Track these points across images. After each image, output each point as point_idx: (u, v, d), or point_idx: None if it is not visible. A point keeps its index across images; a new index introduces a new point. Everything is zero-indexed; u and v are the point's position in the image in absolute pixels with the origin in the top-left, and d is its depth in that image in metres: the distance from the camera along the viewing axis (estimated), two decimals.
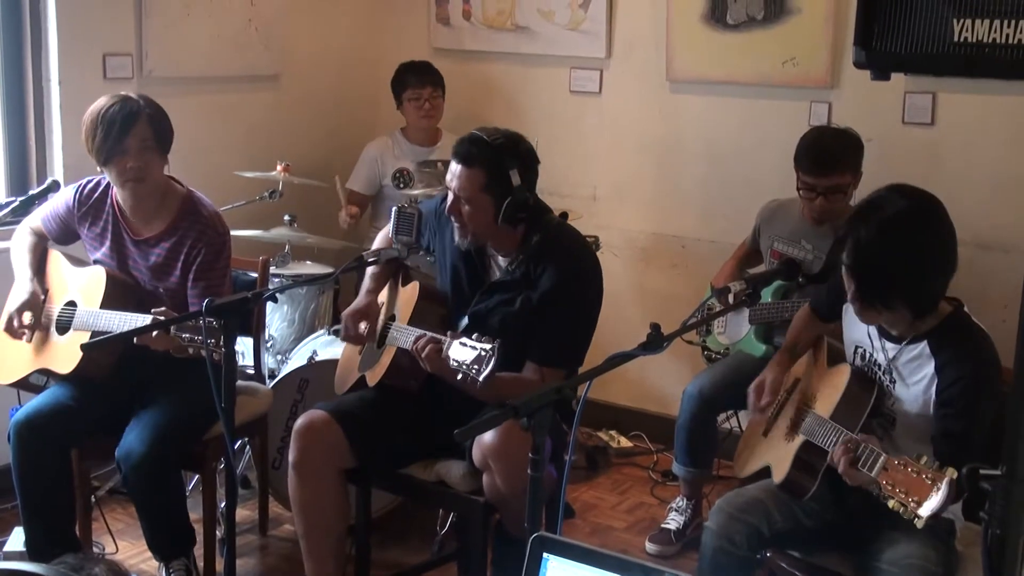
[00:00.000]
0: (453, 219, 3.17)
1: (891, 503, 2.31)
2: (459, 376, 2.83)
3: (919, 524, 2.27)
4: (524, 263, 3.18)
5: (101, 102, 3.31)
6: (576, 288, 3.16)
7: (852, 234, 2.60)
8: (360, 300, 3.39)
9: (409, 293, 3.33)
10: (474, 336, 2.83)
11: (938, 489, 2.23)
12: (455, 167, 3.14)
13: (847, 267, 2.63)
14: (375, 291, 3.42)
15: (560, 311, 3.11)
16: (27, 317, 3.38)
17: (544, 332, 3.11)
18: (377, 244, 3.54)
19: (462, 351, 2.83)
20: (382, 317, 3.38)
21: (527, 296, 3.14)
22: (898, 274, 2.57)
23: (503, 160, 3.11)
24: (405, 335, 3.14)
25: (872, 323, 2.76)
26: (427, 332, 3.02)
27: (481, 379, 2.76)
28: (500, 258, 3.26)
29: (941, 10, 1.62)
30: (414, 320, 3.23)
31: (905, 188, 2.65)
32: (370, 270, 3.42)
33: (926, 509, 2.24)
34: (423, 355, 2.95)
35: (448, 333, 2.93)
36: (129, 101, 3.29)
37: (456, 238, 3.21)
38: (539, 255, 3.16)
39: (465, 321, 3.23)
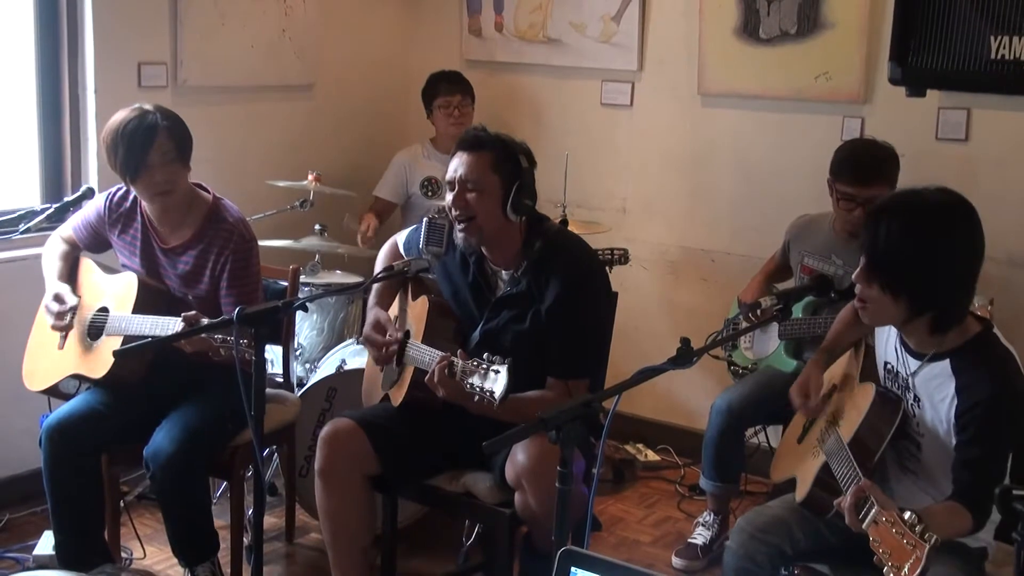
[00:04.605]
0: (456, 214, 3.12)
1: (876, 560, 2.19)
2: (475, 399, 2.80)
3: None
4: (527, 272, 3.15)
5: (118, 118, 3.31)
6: (583, 295, 3.13)
7: (880, 215, 2.56)
8: (371, 317, 3.33)
9: (420, 309, 3.31)
10: (485, 356, 2.80)
11: (918, 559, 2.09)
12: (461, 157, 3.13)
13: (864, 237, 2.56)
14: (382, 304, 3.37)
15: (571, 321, 3.09)
16: (61, 305, 3.40)
17: (560, 345, 3.09)
18: (381, 261, 3.49)
19: (474, 374, 2.80)
20: (398, 333, 3.36)
21: (536, 310, 3.12)
22: (911, 263, 2.51)
23: (509, 144, 3.15)
24: (421, 354, 3.13)
25: (876, 323, 2.69)
26: (439, 353, 2.99)
27: (497, 399, 2.73)
28: (503, 272, 3.23)
29: (978, 27, 1.61)
30: (428, 336, 3.21)
31: (946, 189, 2.60)
32: (373, 289, 3.39)
33: None
34: (435, 380, 2.92)
35: (459, 352, 2.91)
36: (147, 115, 3.29)
37: (458, 237, 3.15)
38: (542, 264, 3.13)
39: (477, 337, 3.21)
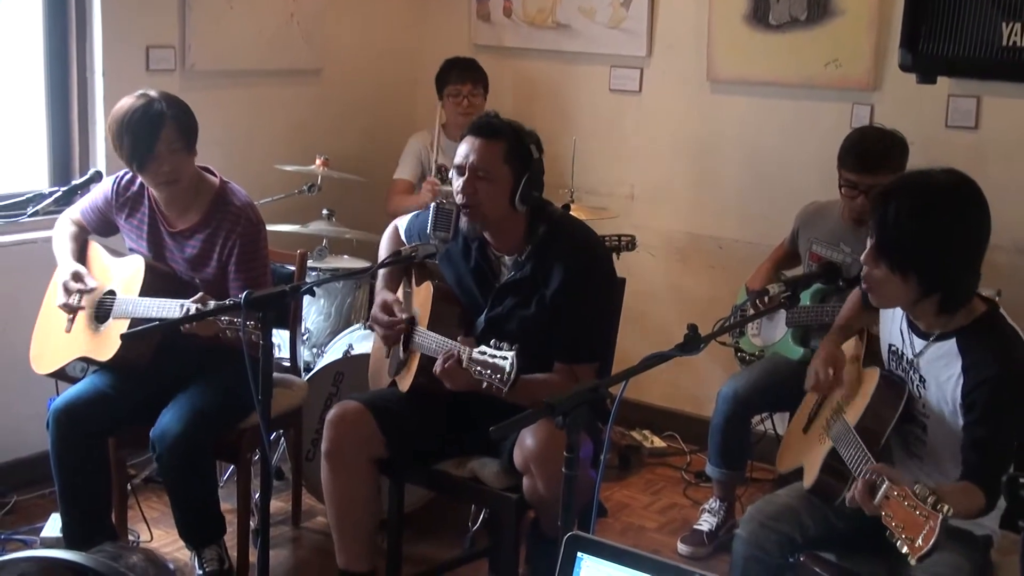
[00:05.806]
0: (464, 200, 3.11)
1: (888, 535, 2.19)
2: (484, 385, 2.80)
3: (912, 562, 2.14)
4: (531, 257, 3.15)
5: (123, 106, 3.29)
6: (589, 280, 3.13)
7: (888, 195, 2.56)
8: (380, 297, 3.32)
9: (424, 295, 3.30)
10: (492, 343, 2.80)
11: (931, 530, 2.09)
12: (473, 142, 3.11)
13: (873, 218, 2.55)
14: (391, 288, 3.38)
15: (577, 307, 3.09)
16: (81, 284, 3.39)
17: (566, 330, 3.09)
18: (385, 246, 3.49)
19: (482, 360, 2.80)
20: (404, 314, 3.35)
21: (541, 295, 3.12)
22: (919, 242, 2.50)
23: (522, 134, 3.13)
24: (427, 340, 3.13)
25: (884, 305, 2.69)
26: (445, 339, 3.00)
27: (506, 389, 2.74)
28: (506, 258, 3.22)
29: (990, 13, 1.60)
30: (433, 322, 3.21)
31: (953, 170, 2.60)
32: (381, 274, 3.38)
33: (915, 553, 2.11)
34: (442, 373, 2.92)
35: (460, 338, 2.91)
36: (152, 104, 3.27)
37: (463, 224, 3.14)
38: (546, 248, 3.13)
39: (482, 323, 3.21)
